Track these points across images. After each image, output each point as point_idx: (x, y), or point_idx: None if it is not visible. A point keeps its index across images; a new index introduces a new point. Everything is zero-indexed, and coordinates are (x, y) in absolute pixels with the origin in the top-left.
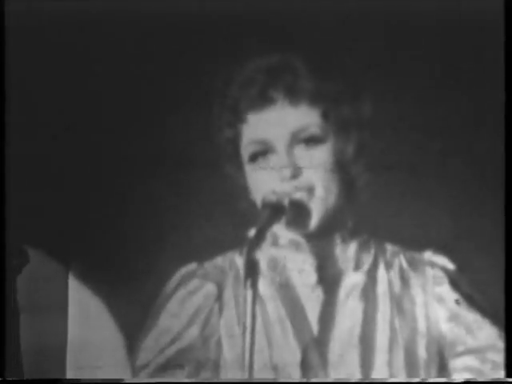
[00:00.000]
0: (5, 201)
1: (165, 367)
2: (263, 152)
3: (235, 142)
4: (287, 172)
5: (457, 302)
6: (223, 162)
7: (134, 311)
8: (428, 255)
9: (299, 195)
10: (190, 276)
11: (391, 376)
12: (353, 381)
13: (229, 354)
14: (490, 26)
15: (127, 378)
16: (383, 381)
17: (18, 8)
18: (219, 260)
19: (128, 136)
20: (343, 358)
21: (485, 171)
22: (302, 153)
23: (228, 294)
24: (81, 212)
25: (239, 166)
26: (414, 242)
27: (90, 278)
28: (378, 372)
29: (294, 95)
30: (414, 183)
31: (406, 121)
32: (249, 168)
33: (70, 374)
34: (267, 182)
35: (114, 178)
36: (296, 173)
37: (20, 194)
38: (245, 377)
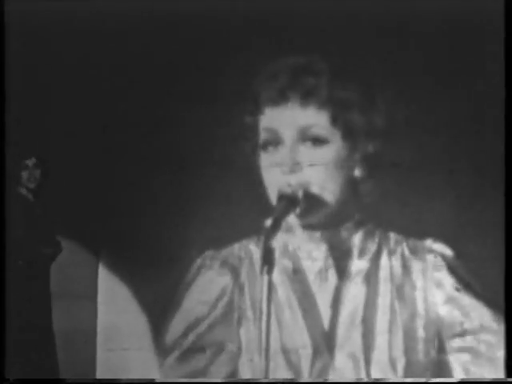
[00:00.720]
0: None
1: (189, 351)
2: (273, 142)
3: (253, 128)
4: (287, 166)
5: (457, 288)
6: (242, 143)
7: (159, 297)
8: (428, 243)
9: (291, 190)
10: (210, 262)
11: (391, 356)
12: (353, 381)
13: (245, 337)
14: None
15: (152, 359)
16: (384, 381)
17: (17, 8)
18: (236, 247)
19: (152, 136)
20: (347, 338)
21: (485, 167)
22: (306, 150)
23: (244, 279)
24: (109, 206)
25: (254, 150)
26: (416, 231)
27: (118, 267)
28: (379, 351)
29: (305, 98)
30: (416, 178)
31: (409, 121)
32: (263, 157)
33: (100, 356)
34: (280, 177)
35: (140, 175)
36: (295, 168)
37: (51, 189)
38: (261, 360)
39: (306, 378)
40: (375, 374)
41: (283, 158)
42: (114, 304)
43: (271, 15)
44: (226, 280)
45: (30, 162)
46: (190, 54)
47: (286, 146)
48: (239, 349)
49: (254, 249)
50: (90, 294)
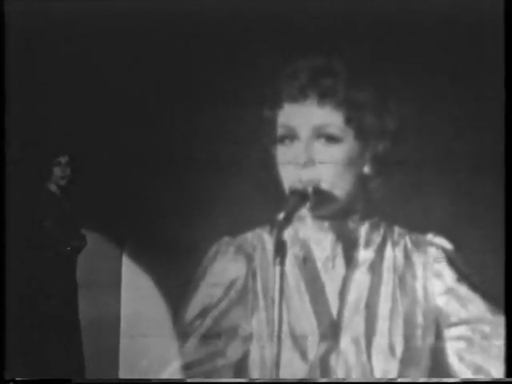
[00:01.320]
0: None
1: (205, 336)
2: (290, 137)
3: (272, 122)
4: (301, 162)
5: (457, 279)
6: (260, 137)
7: (179, 285)
8: (430, 237)
9: (313, 183)
10: (225, 248)
11: (391, 340)
12: (354, 381)
13: (257, 322)
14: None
15: (171, 345)
16: (385, 381)
17: (18, 8)
18: (249, 235)
19: (170, 133)
20: (351, 322)
21: (485, 165)
22: (320, 147)
23: (256, 265)
24: (131, 201)
25: (272, 143)
26: (418, 226)
27: (140, 257)
28: (380, 335)
29: (323, 98)
30: (419, 176)
31: (416, 122)
32: (279, 151)
33: (123, 342)
34: (293, 172)
35: (160, 171)
36: (308, 164)
37: (79, 185)
38: (272, 345)
39: (311, 359)
40: (376, 357)
41: (298, 153)
42: (137, 292)
43: (291, 18)
44: (240, 265)
45: (63, 160)
46: (209, 53)
47: (301, 142)
48: (252, 333)
49: (266, 237)
50: (114, 284)
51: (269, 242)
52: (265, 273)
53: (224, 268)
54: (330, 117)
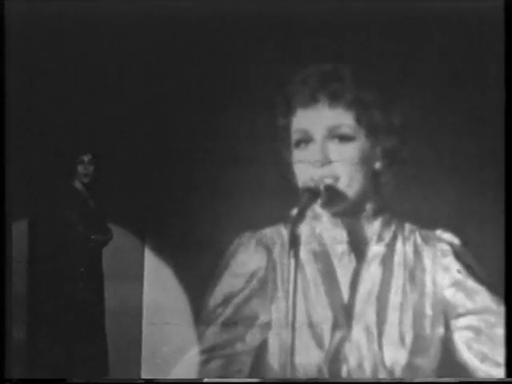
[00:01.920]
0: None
1: (226, 323)
2: (305, 140)
3: (287, 128)
4: (319, 158)
5: (458, 271)
6: (277, 142)
7: (198, 277)
8: (438, 232)
9: (327, 181)
10: (247, 241)
11: (401, 330)
12: (356, 381)
13: (276, 312)
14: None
15: (191, 333)
16: (384, 381)
17: (18, 8)
18: (268, 230)
19: (189, 132)
20: (363, 313)
21: (487, 165)
22: (334, 147)
23: (276, 258)
24: (153, 196)
25: (288, 147)
26: (428, 222)
27: (162, 250)
28: (390, 325)
29: (334, 100)
30: (428, 175)
31: (421, 121)
32: (295, 153)
33: (145, 330)
34: (306, 172)
35: (180, 168)
36: (326, 162)
37: (103, 182)
38: (288, 331)
39: (326, 347)
40: (386, 346)
41: (314, 154)
42: (158, 283)
43: (299, 27)
44: (260, 258)
45: (86, 158)
46: (220, 60)
47: (316, 143)
48: (270, 321)
49: (284, 232)
50: (137, 275)
51: (286, 236)
52: (283, 265)
53: (245, 260)
54: (341, 117)
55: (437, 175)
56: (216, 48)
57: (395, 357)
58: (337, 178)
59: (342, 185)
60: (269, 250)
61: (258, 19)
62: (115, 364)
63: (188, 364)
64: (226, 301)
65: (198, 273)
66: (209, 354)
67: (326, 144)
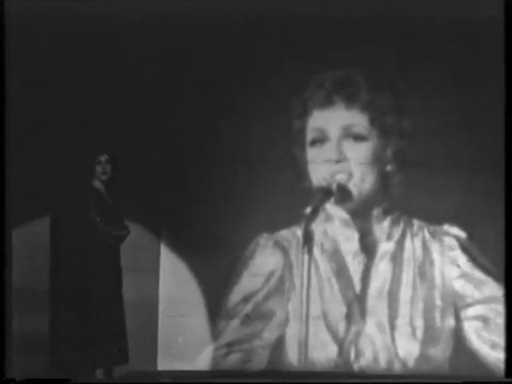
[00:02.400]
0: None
1: (245, 320)
2: (320, 140)
3: (302, 129)
4: (335, 156)
5: (457, 265)
6: (291, 144)
7: (217, 274)
8: (446, 227)
9: (341, 177)
10: (265, 242)
11: (412, 323)
12: (357, 381)
13: (292, 309)
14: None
15: (204, 324)
16: (384, 380)
17: (18, 8)
18: (284, 232)
19: (207, 134)
20: (375, 308)
21: (493, 161)
22: (349, 145)
23: (292, 258)
24: (169, 195)
25: (302, 148)
26: (435, 218)
27: (176, 245)
28: (402, 318)
29: (349, 102)
30: (435, 175)
31: (429, 127)
32: (309, 153)
33: (161, 321)
34: (320, 171)
35: (197, 168)
36: (341, 158)
37: (120, 181)
38: (302, 326)
39: (342, 341)
40: (399, 339)
41: (329, 152)
42: (173, 277)
43: (314, 36)
44: (278, 258)
45: (103, 158)
46: (238, 66)
47: (332, 142)
48: (287, 317)
49: (299, 233)
50: (153, 269)
51: (301, 236)
52: (299, 265)
53: (264, 260)
54: (356, 118)
55: (443, 175)
56: (233, 50)
57: (408, 348)
58: (350, 175)
59: (354, 183)
60: (285, 251)
61: (276, 23)
62: (133, 353)
63: (208, 357)
64: (246, 299)
65: (212, 268)
66: (228, 348)
67: (341, 142)
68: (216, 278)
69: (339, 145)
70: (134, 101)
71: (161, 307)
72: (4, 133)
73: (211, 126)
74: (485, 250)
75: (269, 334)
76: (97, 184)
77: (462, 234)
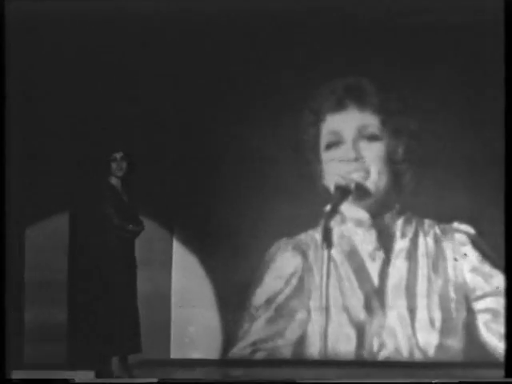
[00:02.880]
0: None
1: (269, 320)
2: (336, 142)
3: (316, 135)
4: (352, 155)
5: (455, 259)
6: (305, 150)
7: (222, 266)
8: (456, 224)
9: (358, 175)
10: (285, 246)
11: (430, 315)
12: (359, 381)
13: (313, 302)
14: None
15: (213, 315)
16: (383, 380)
17: (18, 8)
18: (303, 236)
19: (224, 136)
20: (394, 302)
21: (497, 161)
22: (364, 145)
23: (311, 260)
24: (182, 193)
25: (317, 154)
26: (445, 216)
27: (188, 241)
28: (420, 311)
29: (361, 104)
30: (444, 175)
31: (437, 129)
32: (324, 157)
33: (174, 312)
34: (337, 170)
35: (209, 169)
36: (358, 157)
37: (135, 178)
38: (323, 316)
39: (366, 335)
40: (419, 330)
41: (346, 152)
42: (185, 270)
43: (326, 45)
44: (297, 260)
45: (118, 155)
46: (250, 73)
47: (347, 143)
48: (309, 315)
49: (317, 236)
50: (166, 263)
51: (319, 240)
52: (319, 266)
53: (284, 263)
54: (369, 119)
55: (454, 175)
56: (247, 55)
57: (428, 339)
58: (367, 173)
59: (371, 180)
60: (304, 254)
61: (288, 31)
62: (147, 342)
63: (236, 355)
64: (269, 301)
65: (222, 262)
66: (254, 346)
67: (357, 143)
68: (224, 270)
69: (355, 145)
70: (147, 100)
71: (173, 299)
72: (4, 133)
73: (229, 126)
74: (494, 245)
75: (291, 333)
76: (113, 180)
77: (472, 230)
